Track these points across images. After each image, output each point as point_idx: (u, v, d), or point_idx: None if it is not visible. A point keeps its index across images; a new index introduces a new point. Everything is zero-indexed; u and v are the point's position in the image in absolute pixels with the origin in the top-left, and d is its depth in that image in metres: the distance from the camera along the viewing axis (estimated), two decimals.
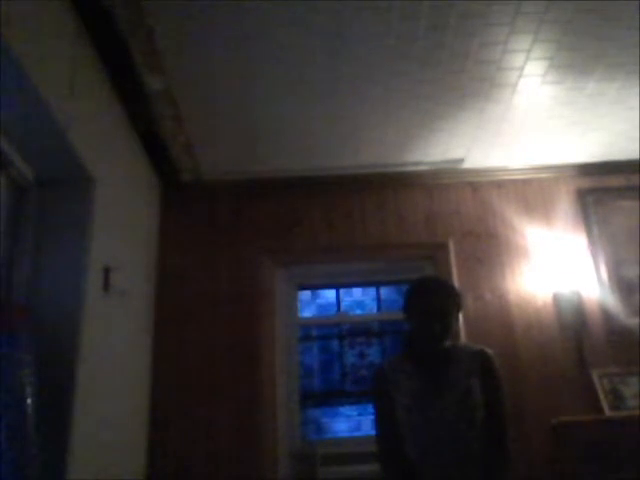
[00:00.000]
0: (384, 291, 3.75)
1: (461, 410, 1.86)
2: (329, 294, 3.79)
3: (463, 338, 3.04)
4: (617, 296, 3.19)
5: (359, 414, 3.68)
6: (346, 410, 3.68)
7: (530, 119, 3.00)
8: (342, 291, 3.75)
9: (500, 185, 3.49)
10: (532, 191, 3.47)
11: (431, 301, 1.96)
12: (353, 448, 3.09)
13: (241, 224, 3.36)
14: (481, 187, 3.49)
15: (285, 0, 2.13)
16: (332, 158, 3.28)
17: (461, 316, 3.06)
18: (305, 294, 3.75)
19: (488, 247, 3.33)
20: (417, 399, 1.90)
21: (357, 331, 3.64)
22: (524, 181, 3.49)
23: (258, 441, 2.92)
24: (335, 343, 3.67)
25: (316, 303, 3.92)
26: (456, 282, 3.18)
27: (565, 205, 3.43)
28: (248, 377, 3.03)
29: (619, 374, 3.02)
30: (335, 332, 3.66)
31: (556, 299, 3.18)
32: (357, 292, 3.95)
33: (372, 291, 3.78)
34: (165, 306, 3.15)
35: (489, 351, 1.99)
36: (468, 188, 3.48)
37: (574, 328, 3.11)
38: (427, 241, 3.35)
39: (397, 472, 1.90)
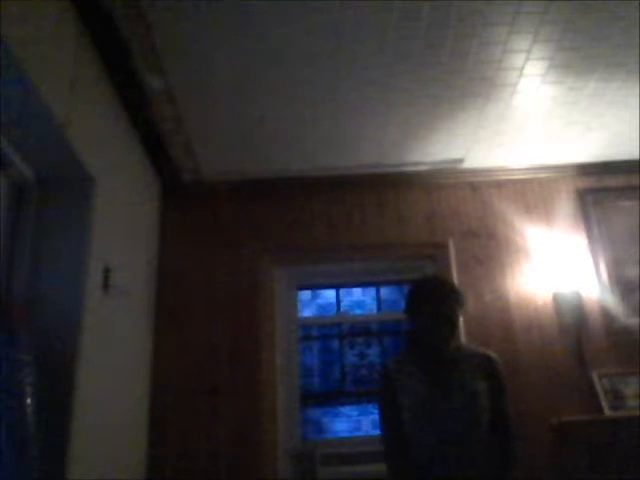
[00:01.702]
0: (384, 291, 3.74)
1: (467, 413, 1.86)
2: (329, 294, 3.79)
3: (463, 338, 3.04)
4: (617, 296, 3.19)
5: (359, 414, 3.68)
6: (346, 410, 3.68)
7: (530, 119, 3.00)
8: (342, 291, 3.75)
9: (500, 185, 3.49)
10: (532, 191, 3.47)
11: (439, 304, 1.95)
12: (353, 448, 3.09)
13: (241, 224, 3.37)
14: (481, 187, 3.49)
15: (286, 0, 2.14)
16: (332, 158, 3.28)
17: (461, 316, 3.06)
18: (305, 294, 3.75)
19: (488, 247, 3.33)
20: (422, 401, 1.90)
21: (357, 331, 3.64)
22: (524, 181, 3.49)
23: (258, 441, 2.92)
24: (335, 343, 3.67)
25: (316, 303, 3.92)
26: (456, 282, 3.17)
27: (565, 205, 3.43)
28: (248, 377, 3.03)
29: (619, 374, 3.02)
30: (335, 332, 3.66)
31: (556, 299, 3.18)
32: (357, 292, 3.94)
33: (372, 291, 3.77)
34: (165, 306, 3.15)
35: (494, 355, 2.00)
36: (468, 188, 3.48)
37: (574, 328, 3.11)
38: (427, 241, 3.35)
39: (402, 473, 1.90)
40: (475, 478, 1.82)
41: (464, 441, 1.84)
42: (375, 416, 3.64)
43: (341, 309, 3.70)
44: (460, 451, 1.83)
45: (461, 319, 2.99)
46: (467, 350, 2.03)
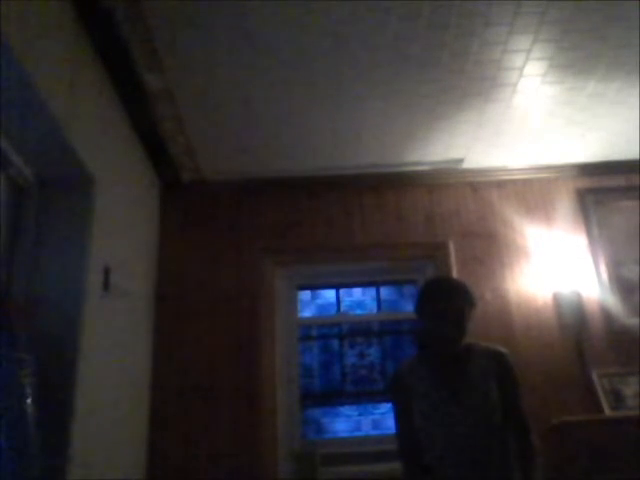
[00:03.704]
0: (384, 291, 3.74)
1: (479, 414, 1.85)
2: (329, 294, 3.78)
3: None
4: (617, 296, 3.19)
5: (359, 414, 3.67)
6: (346, 410, 3.67)
7: (530, 119, 3.00)
8: (342, 291, 3.74)
9: (500, 185, 3.49)
10: (532, 191, 3.47)
11: (445, 304, 1.93)
12: (353, 448, 3.09)
13: (241, 224, 3.37)
14: (481, 187, 3.49)
15: (285, 0, 2.13)
16: (332, 158, 3.28)
17: None
18: (305, 294, 3.74)
19: (488, 247, 3.33)
20: (434, 405, 1.89)
21: (357, 331, 3.63)
22: (524, 181, 3.49)
23: (258, 441, 2.92)
24: (335, 343, 3.66)
25: (316, 303, 3.91)
26: None
27: (565, 205, 3.43)
28: (248, 377, 3.03)
29: (619, 374, 3.02)
30: (335, 332, 3.66)
31: (556, 299, 3.18)
32: (357, 292, 3.94)
33: (372, 291, 3.77)
34: (165, 306, 3.15)
35: (504, 350, 1.98)
36: (468, 188, 3.48)
37: (574, 328, 3.11)
38: (427, 241, 3.35)
39: (415, 476, 1.91)
40: (490, 478, 1.81)
41: (477, 442, 1.83)
42: (375, 416, 3.64)
43: (341, 309, 3.70)
44: (474, 452, 1.82)
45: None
46: (477, 348, 2.00)
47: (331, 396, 3.58)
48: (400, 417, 1.99)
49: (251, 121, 2.88)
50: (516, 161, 3.43)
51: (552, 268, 3.23)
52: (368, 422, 3.65)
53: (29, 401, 1.64)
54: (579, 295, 3.17)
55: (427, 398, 1.91)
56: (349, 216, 3.40)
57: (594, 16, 2.30)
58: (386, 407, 3.46)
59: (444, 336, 1.93)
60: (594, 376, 3.01)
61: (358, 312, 3.85)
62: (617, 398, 2.96)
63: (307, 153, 3.21)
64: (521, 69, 2.60)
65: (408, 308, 3.36)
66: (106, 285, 2.31)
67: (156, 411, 2.94)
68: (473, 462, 1.82)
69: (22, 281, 2.01)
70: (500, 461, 1.84)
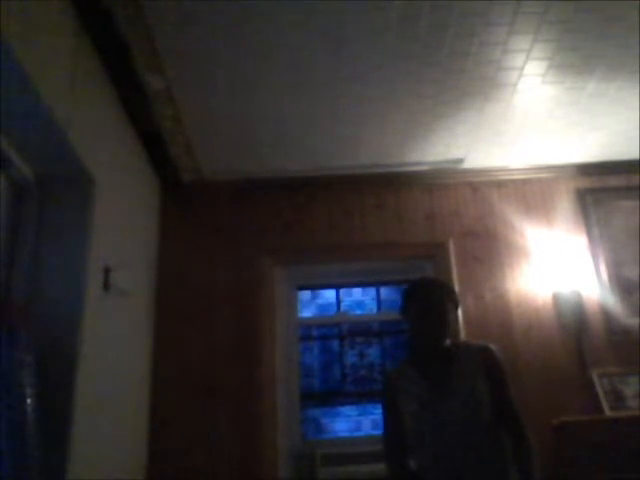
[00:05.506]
0: (384, 291, 3.74)
1: (467, 411, 1.85)
2: (329, 294, 3.79)
3: (463, 338, 3.04)
4: (617, 296, 3.19)
5: (359, 414, 3.68)
6: (346, 410, 3.67)
7: (530, 119, 3.00)
8: (342, 291, 3.75)
9: (500, 185, 3.49)
10: (532, 191, 3.47)
11: (425, 300, 1.95)
12: (353, 448, 3.09)
13: (241, 224, 3.36)
14: (481, 187, 3.49)
15: (286, 0, 2.14)
16: (332, 158, 3.28)
17: (461, 316, 3.06)
18: (305, 294, 3.75)
19: (488, 247, 3.33)
20: (423, 405, 1.89)
21: (357, 331, 3.64)
22: (524, 181, 3.49)
23: (258, 441, 2.92)
24: (335, 343, 3.67)
25: (316, 303, 3.92)
26: (456, 282, 3.18)
27: (565, 205, 3.43)
28: (248, 377, 3.03)
29: (619, 374, 3.02)
30: (335, 332, 3.67)
31: (556, 299, 3.18)
32: (357, 292, 3.94)
33: (372, 291, 3.77)
34: (165, 306, 3.15)
35: (492, 346, 1.98)
36: (468, 188, 3.48)
37: (574, 328, 3.11)
38: (427, 241, 3.35)
39: (401, 477, 1.91)
40: (481, 476, 1.81)
41: (468, 440, 1.83)
42: (375, 416, 3.64)
43: (341, 309, 3.70)
44: (466, 450, 1.82)
45: (458, 316, 3.00)
46: (463, 346, 2.01)
47: (331, 396, 3.58)
48: (387, 419, 2.00)
49: (251, 121, 2.88)
50: (516, 161, 3.43)
51: (552, 268, 3.23)
52: (368, 422, 3.66)
53: (29, 401, 1.64)
54: (579, 295, 3.17)
55: (416, 399, 1.91)
56: (349, 216, 3.40)
57: (594, 16, 2.30)
58: None
59: (427, 333, 1.93)
60: (594, 376, 3.01)
61: (358, 312, 3.85)
62: (617, 398, 2.96)
63: (307, 153, 3.21)
64: (521, 69, 2.60)
65: None
66: (106, 285, 2.31)
67: (156, 411, 2.94)
68: (466, 460, 1.81)
69: (22, 281, 2.01)
70: (494, 457, 1.83)
